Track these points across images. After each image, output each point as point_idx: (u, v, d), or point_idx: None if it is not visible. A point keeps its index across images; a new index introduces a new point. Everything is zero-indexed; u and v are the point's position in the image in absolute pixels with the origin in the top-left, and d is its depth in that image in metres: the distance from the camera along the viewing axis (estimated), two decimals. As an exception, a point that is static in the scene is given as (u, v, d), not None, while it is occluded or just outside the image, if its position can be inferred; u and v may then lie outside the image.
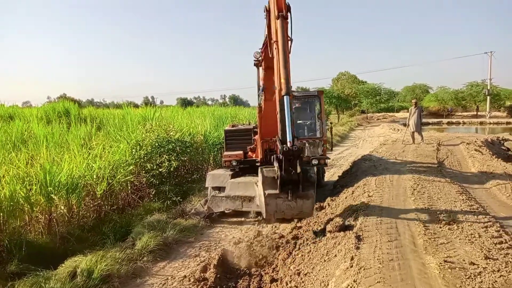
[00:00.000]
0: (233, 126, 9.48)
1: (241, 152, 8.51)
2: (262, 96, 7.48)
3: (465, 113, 49.23)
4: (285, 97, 4.10)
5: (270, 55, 5.48)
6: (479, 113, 46.15)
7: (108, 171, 7.60)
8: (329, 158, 7.72)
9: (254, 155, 8.35)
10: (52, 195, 6.11)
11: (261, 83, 7.49)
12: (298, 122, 8.47)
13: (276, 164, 4.53)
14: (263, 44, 6.71)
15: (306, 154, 7.64)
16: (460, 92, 48.78)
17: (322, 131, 7.83)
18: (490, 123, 36.36)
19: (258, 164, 8.23)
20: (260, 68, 7.38)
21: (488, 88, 43.79)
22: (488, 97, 43.73)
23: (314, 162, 7.51)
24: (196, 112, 20.58)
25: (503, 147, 16.22)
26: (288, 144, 4.32)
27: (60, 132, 10.57)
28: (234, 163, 8.26)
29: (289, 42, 4.93)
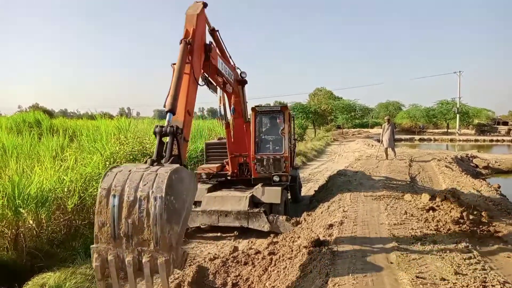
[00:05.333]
0: (219, 139, 9.57)
1: (215, 165, 8.54)
2: (231, 115, 7.80)
3: (436, 130, 51.01)
4: (167, 113, 4.00)
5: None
6: (449, 130, 47.88)
7: (80, 184, 7.38)
8: (288, 174, 7.69)
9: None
10: (20, 209, 5.87)
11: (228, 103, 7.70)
12: (264, 137, 8.44)
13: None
14: None
15: (269, 171, 7.67)
16: (431, 109, 50.58)
17: (285, 147, 7.82)
18: (460, 140, 37.72)
19: (229, 177, 8.29)
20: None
21: (458, 106, 45.59)
22: (457, 115, 45.49)
23: (275, 178, 7.56)
24: (173, 125, 20.32)
25: (471, 164, 16.85)
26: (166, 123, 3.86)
27: (30, 143, 10.24)
28: (203, 176, 8.25)
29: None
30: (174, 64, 4.50)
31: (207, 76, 5.75)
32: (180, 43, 4.54)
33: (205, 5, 5.24)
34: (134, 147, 9.50)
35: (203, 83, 5.57)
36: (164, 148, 3.72)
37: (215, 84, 6.28)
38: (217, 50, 6.19)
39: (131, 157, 9.13)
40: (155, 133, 3.73)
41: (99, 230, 3.08)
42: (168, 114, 3.92)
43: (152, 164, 3.35)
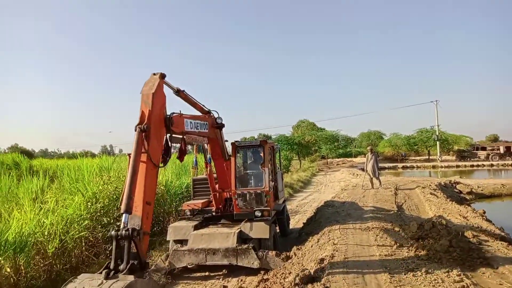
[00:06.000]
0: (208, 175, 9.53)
1: (201, 201, 8.41)
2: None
3: (418, 157, 51.92)
4: (123, 214, 3.91)
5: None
6: (430, 157, 48.80)
7: (61, 226, 7.13)
8: (270, 208, 7.61)
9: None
10: (-3, 256, 5.60)
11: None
12: (245, 172, 8.42)
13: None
14: None
15: (251, 206, 7.60)
16: (412, 137, 51.67)
17: (265, 181, 7.78)
18: (441, 167, 38.40)
19: (214, 213, 8.17)
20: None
21: (437, 134, 46.76)
22: (437, 142, 46.57)
23: (257, 213, 7.48)
24: (157, 161, 20.12)
25: (455, 190, 17.08)
26: (122, 225, 3.88)
27: (9, 185, 9.92)
28: (188, 213, 8.13)
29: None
30: (130, 154, 4.43)
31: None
32: (135, 129, 4.43)
33: (163, 76, 5.07)
34: (117, 186, 9.30)
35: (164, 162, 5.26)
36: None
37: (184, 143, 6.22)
38: (185, 109, 6.26)
39: (115, 196, 8.91)
40: (110, 237, 3.75)
41: None
42: (124, 215, 3.91)
43: (107, 277, 3.41)
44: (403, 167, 40.60)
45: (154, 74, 5.05)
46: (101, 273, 3.53)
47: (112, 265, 3.64)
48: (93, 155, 21.34)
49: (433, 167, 39.33)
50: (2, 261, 5.73)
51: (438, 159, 44.54)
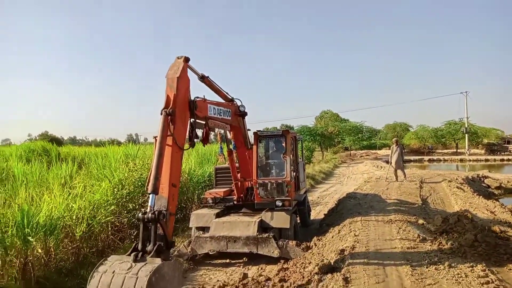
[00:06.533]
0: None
1: (223, 190, 8.52)
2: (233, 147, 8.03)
3: (445, 150, 50.51)
4: (150, 195, 4.04)
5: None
6: (458, 150, 47.41)
7: (88, 211, 7.38)
8: (291, 199, 7.59)
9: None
10: (29, 237, 5.85)
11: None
12: (267, 162, 8.44)
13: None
14: None
15: (272, 195, 7.62)
16: (439, 130, 50.29)
17: (287, 171, 7.77)
18: (470, 160, 37.28)
19: (235, 202, 8.25)
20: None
21: (466, 126, 45.30)
22: (466, 135, 45.13)
23: (278, 203, 7.49)
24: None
25: (483, 184, 16.56)
26: (148, 208, 3.99)
27: (40, 171, 10.32)
28: (210, 201, 8.26)
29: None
30: (156, 137, 4.53)
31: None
32: (161, 113, 4.53)
33: (187, 60, 5.11)
34: (142, 173, 9.51)
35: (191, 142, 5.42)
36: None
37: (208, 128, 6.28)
38: (211, 92, 6.40)
39: (140, 183, 9.13)
40: (137, 219, 3.90)
41: None
42: (150, 195, 4.04)
43: (135, 259, 3.58)
44: (429, 160, 39.57)
45: (178, 57, 5.10)
46: (129, 255, 3.68)
47: (139, 247, 3.80)
48: (119, 143, 21.85)
49: (461, 160, 38.21)
50: (34, 242, 5.99)
51: (466, 152, 43.16)
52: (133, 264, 3.54)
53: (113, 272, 3.47)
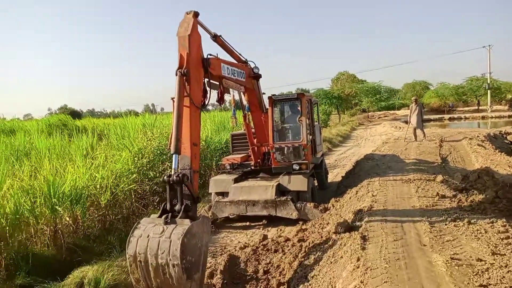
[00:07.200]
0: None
1: (240, 155, 8.61)
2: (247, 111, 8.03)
3: (467, 108, 49.07)
4: (173, 155, 4.13)
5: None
6: (480, 107, 46.02)
7: (111, 180, 7.61)
8: (308, 162, 7.61)
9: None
10: (57, 207, 6.12)
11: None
12: (282, 126, 8.41)
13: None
14: None
15: (288, 159, 7.65)
16: (461, 87, 48.66)
17: (303, 135, 7.72)
18: (492, 117, 36.20)
19: (252, 167, 8.34)
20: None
21: (488, 82, 43.67)
22: (488, 91, 43.58)
23: (295, 167, 7.52)
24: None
25: (506, 141, 16.18)
26: (172, 171, 4.10)
27: (61, 144, 10.60)
28: (227, 167, 8.38)
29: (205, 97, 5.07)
30: (173, 98, 4.55)
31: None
32: (176, 74, 4.49)
33: (196, 15, 4.92)
34: (160, 142, 9.67)
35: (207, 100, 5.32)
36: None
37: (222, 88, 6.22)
38: (224, 52, 6.27)
39: (158, 151, 9.31)
40: (163, 181, 4.05)
41: (136, 283, 3.78)
42: (173, 156, 4.15)
43: (166, 222, 3.78)
44: (450, 119, 38.58)
45: (188, 13, 4.94)
46: (160, 217, 3.88)
47: (168, 207, 3.98)
48: (136, 114, 22.12)
49: (483, 117, 37.11)
50: (61, 211, 6.27)
51: (489, 109, 41.86)
52: (165, 227, 3.73)
53: (147, 236, 3.69)
